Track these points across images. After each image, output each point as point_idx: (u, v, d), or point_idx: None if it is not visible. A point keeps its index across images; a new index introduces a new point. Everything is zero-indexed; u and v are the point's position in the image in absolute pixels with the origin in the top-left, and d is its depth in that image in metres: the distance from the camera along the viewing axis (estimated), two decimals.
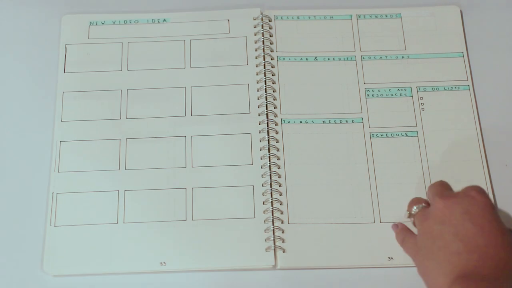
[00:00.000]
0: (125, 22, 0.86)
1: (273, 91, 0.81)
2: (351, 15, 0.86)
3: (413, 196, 0.73)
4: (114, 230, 0.75)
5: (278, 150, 0.78)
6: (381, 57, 0.83)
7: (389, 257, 0.73)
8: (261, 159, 0.78)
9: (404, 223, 0.73)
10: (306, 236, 0.74)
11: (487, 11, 0.87)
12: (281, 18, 0.86)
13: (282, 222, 0.74)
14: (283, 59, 0.83)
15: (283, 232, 0.74)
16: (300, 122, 0.80)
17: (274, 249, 0.73)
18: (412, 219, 0.71)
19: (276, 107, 0.80)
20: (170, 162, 0.78)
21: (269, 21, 0.85)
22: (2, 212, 0.76)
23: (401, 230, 0.72)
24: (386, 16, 0.86)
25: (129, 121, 0.80)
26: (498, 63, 0.83)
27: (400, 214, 0.74)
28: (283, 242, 0.73)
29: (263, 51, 0.83)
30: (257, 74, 0.82)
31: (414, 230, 0.72)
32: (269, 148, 0.78)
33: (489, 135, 0.79)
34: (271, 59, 0.83)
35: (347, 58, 0.83)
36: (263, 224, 0.75)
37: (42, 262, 0.73)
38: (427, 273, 0.65)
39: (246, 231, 0.74)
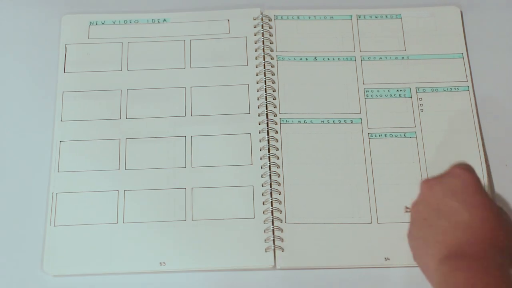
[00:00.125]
0: (125, 22, 0.86)
1: (273, 91, 0.81)
2: (351, 15, 0.86)
3: (411, 197, 0.73)
4: (114, 230, 0.75)
5: (278, 150, 0.78)
6: (380, 58, 0.83)
7: (385, 258, 0.73)
8: (261, 159, 0.78)
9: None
10: (304, 236, 0.74)
11: (487, 11, 0.87)
12: (281, 18, 0.86)
13: (281, 222, 0.74)
14: (283, 59, 0.83)
15: (282, 231, 0.74)
16: (299, 122, 0.80)
17: (274, 250, 0.73)
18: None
19: (276, 107, 0.80)
20: (170, 162, 0.78)
21: (269, 21, 0.85)
22: (2, 212, 0.76)
23: None
24: (386, 16, 0.86)
25: (129, 121, 0.80)
26: (498, 64, 0.83)
27: (397, 215, 0.74)
28: (282, 241, 0.74)
29: (263, 51, 0.83)
30: (257, 75, 0.82)
31: None
32: (269, 148, 0.78)
33: (489, 135, 0.79)
34: (271, 59, 0.83)
35: (347, 58, 0.83)
36: (262, 224, 0.75)
37: (42, 262, 0.73)
38: (419, 258, 0.65)
39: (245, 231, 0.74)
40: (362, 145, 0.78)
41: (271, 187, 0.76)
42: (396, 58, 0.83)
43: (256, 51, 0.84)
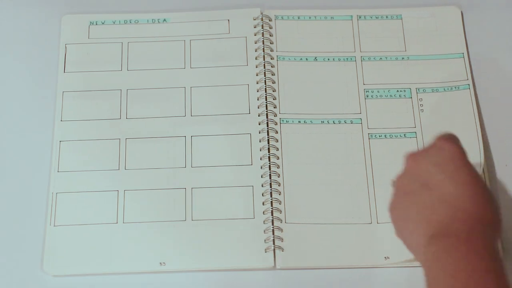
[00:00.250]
0: (125, 22, 0.86)
1: (273, 91, 0.81)
2: (351, 16, 0.86)
3: None
4: (114, 230, 0.75)
5: (278, 150, 0.78)
6: (381, 58, 0.83)
7: (385, 257, 0.73)
8: (260, 159, 0.78)
9: None
10: (304, 236, 0.74)
11: (487, 11, 0.87)
12: (281, 18, 0.86)
13: (281, 222, 0.74)
14: (283, 59, 0.83)
15: (282, 231, 0.74)
16: (299, 122, 0.80)
17: (274, 250, 0.73)
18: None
19: (276, 107, 0.80)
20: (170, 162, 0.78)
21: (269, 21, 0.86)
22: (2, 212, 0.76)
23: None
24: (386, 17, 0.86)
25: (129, 121, 0.80)
26: (498, 64, 0.83)
27: None
28: (282, 241, 0.74)
29: (263, 51, 0.83)
30: (257, 75, 0.82)
31: None
32: (269, 148, 0.78)
33: (489, 135, 0.79)
34: (271, 59, 0.83)
35: (347, 58, 0.83)
36: (262, 224, 0.75)
37: (42, 262, 0.73)
38: (402, 233, 0.64)
39: (245, 231, 0.74)
40: (362, 145, 0.78)
41: (271, 187, 0.76)
42: (397, 59, 0.83)
43: (256, 51, 0.84)
